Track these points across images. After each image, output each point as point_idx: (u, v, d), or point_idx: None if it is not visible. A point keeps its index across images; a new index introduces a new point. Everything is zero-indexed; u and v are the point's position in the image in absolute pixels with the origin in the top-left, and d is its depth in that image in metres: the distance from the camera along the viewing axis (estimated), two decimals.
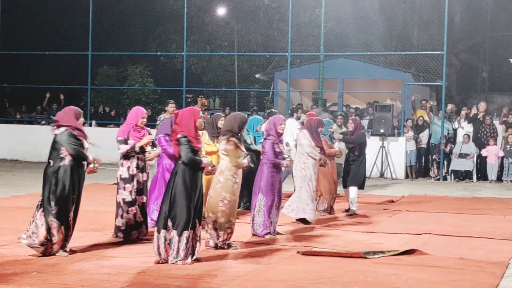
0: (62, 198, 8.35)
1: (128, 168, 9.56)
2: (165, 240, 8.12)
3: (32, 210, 11.14)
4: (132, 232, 9.54)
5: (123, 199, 9.54)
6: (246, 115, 10.08)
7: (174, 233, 8.10)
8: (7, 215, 11.71)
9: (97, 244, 9.23)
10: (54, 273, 7.63)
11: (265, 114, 15.89)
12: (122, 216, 9.52)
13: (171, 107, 14.40)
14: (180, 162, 8.19)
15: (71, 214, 8.49)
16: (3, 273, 7.55)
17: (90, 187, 14.14)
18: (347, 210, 12.69)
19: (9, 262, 8.06)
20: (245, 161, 9.07)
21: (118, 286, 7.13)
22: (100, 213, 11.58)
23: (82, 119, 8.73)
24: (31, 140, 21.53)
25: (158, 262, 8.11)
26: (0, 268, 7.75)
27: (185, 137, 8.17)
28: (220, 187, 8.95)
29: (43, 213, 8.40)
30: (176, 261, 8.07)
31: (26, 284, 7.13)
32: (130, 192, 9.53)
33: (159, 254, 8.13)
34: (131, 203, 9.53)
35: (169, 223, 8.12)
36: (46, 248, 8.37)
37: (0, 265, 7.92)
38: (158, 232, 8.16)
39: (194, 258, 8.18)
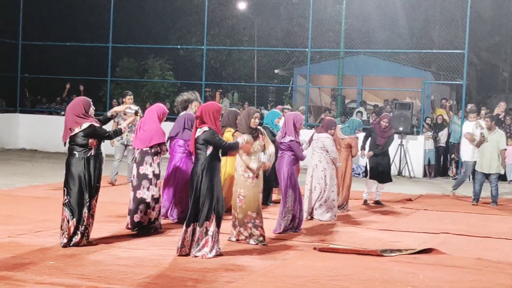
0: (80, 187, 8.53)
1: (159, 164, 9.64)
2: (192, 233, 8.18)
3: (51, 200, 11.22)
4: (148, 227, 9.59)
5: (152, 196, 9.54)
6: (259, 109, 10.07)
7: (197, 225, 8.17)
8: (26, 204, 11.78)
9: (114, 235, 9.26)
10: (72, 263, 7.67)
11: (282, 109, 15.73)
12: (146, 213, 9.51)
13: (129, 99, 14.23)
14: (207, 156, 8.21)
15: (94, 203, 8.61)
16: (21, 262, 7.61)
17: (106, 179, 14.19)
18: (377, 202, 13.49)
19: (27, 252, 8.12)
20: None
21: (134, 278, 7.15)
22: (116, 205, 11.62)
23: (92, 109, 8.75)
24: (51, 130, 21.60)
25: (179, 254, 8.16)
26: (18, 257, 7.82)
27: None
28: (236, 183, 9.07)
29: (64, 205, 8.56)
30: (196, 253, 8.11)
31: (44, 274, 7.17)
32: (159, 188, 9.62)
33: (183, 246, 8.18)
34: (157, 200, 9.60)
35: (197, 217, 8.19)
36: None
37: (18, 254, 7.98)
38: (187, 226, 8.20)
39: (216, 253, 8.21)
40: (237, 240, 9.07)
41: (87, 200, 8.48)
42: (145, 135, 9.64)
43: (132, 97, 14.41)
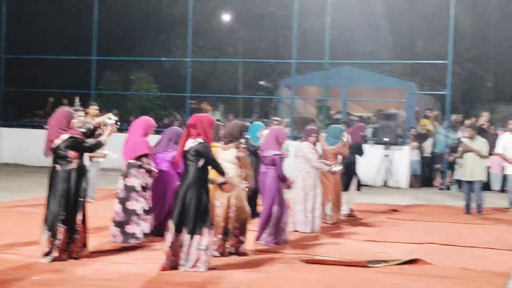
0: (71, 201, 8.43)
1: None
2: (178, 244, 8.08)
3: (35, 214, 11.09)
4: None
5: (142, 207, 9.58)
6: (248, 122, 10.08)
7: (187, 237, 8.05)
8: (10, 220, 11.68)
9: (99, 250, 9.18)
10: (57, 278, 7.60)
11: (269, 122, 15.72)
12: (138, 224, 9.56)
13: (92, 109, 14.05)
14: (197, 169, 8.14)
15: (79, 217, 8.49)
16: (4, 278, 7.52)
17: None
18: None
19: (11, 267, 8.03)
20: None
21: None
22: (103, 219, 11.53)
23: (74, 121, 8.70)
24: (34, 144, 21.38)
25: (164, 268, 8.04)
26: (1, 273, 7.73)
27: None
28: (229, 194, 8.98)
29: (45, 221, 8.42)
30: (187, 267, 8.02)
31: None
32: (148, 201, 9.64)
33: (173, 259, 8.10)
34: (148, 212, 9.60)
35: (183, 227, 8.06)
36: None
37: (2, 270, 7.89)
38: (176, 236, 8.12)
39: (208, 266, 8.11)
40: (221, 253, 8.98)
41: (63, 214, 8.35)
42: (130, 147, 9.70)
43: (96, 107, 14.20)
